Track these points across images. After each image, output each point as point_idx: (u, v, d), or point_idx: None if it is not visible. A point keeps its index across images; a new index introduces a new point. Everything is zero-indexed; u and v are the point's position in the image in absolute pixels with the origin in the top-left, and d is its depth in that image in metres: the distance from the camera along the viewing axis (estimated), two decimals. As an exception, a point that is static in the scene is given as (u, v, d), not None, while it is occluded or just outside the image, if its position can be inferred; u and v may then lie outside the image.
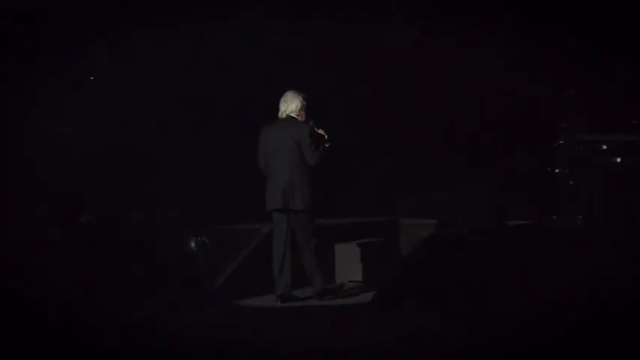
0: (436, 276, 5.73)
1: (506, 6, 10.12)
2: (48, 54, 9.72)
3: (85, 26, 9.93)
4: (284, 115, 6.89)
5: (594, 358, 5.36)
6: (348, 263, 7.38)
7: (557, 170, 6.97)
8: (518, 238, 6.21)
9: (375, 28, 10.71)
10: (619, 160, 6.78)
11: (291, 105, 6.85)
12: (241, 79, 10.97)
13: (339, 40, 10.78)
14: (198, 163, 10.72)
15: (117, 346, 5.69)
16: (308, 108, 6.86)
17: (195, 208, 10.24)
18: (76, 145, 9.84)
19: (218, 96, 10.90)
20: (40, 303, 6.63)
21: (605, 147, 6.89)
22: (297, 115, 6.84)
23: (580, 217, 6.68)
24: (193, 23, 10.42)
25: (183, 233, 7.86)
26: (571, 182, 6.91)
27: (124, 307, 6.69)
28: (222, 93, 10.91)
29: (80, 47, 9.96)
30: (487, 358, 5.45)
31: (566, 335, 5.76)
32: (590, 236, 6.35)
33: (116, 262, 7.54)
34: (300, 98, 6.85)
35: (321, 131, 6.77)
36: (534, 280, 5.74)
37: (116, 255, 7.68)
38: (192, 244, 7.30)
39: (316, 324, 6.51)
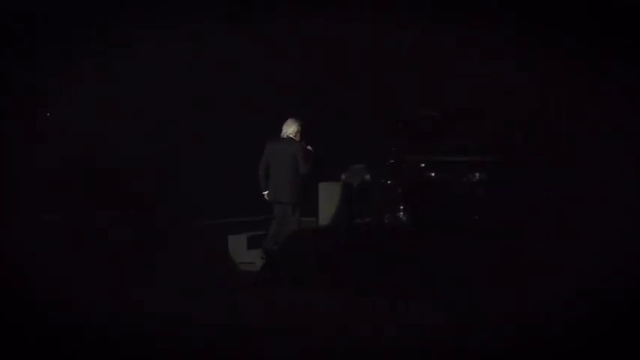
0: (303, 258, 7.86)
1: (506, 6, 10.11)
2: (48, 54, 9.73)
3: (85, 26, 9.94)
4: (285, 136, 8.78)
5: (594, 358, 5.37)
6: (239, 250, 9.34)
7: (389, 182, 9.02)
8: (363, 232, 8.48)
9: (375, 28, 10.71)
10: (433, 174, 8.96)
11: (290, 128, 8.75)
12: (241, 79, 10.99)
13: (339, 40, 10.79)
14: (197, 162, 10.78)
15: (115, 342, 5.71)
16: (303, 131, 8.76)
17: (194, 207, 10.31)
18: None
19: (218, 96, 10.92)
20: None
21: (423, 165, 9.04)
22: (294, 136, 8.74)
23: (404, 216, 8.82)
24: (193, 23, 10.43)
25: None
26: (399, 190, 8.96)
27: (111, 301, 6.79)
28: (222, 93, 10.93)
29: (80, 47, 9.97)
30: (487, 358, 5.46)
31: (566, 335, 5.77)
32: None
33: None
34: (297, 123, 8.76)
35: (309, 147, 8.71)
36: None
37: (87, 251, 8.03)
38: None
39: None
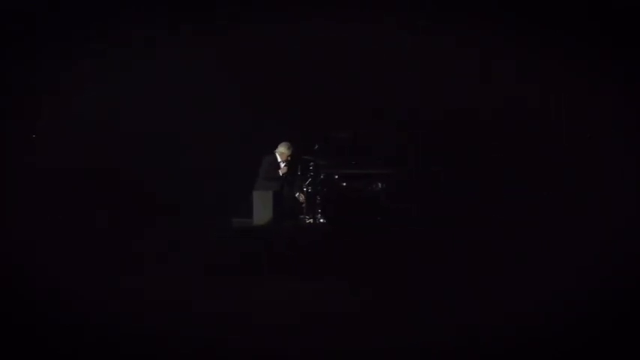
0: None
1: (506, 6, 10.11)
2: (48, 54, 9.74)
3: (85, 26, 9.95)
4: (274, 152, 10.58)
5: (594, 358, 5.37)
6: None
7: (309, 190, 10.72)
8: (290, 232, 9.87)
9: (375, 28, 10.70)
10: (344, 183, 10.75)
11: (280, 148, 10.58)
12: (241, 80, 10.98)
13: (339, 40, 10.79)
14: (196, 161, 10.79)
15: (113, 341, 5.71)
16: (291, 154, 10.57)
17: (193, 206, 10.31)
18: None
19: (218, 96, 10.92)
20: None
21: (337, 176, 10.78)
22: (279, 155, 10.60)
23: (321, 218, 10.51)
24: (193, 23, 10.44)
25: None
26: (318, 198, 10.62)
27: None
28: (222, 93, 10.93)
29: (80, 47, 9.98)
30: (487, 358, 5.46)
31: (566, 335, 5.77)
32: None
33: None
34: (286, 147, 10.59)
35: (283, 166, 10.57)
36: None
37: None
38: None
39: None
